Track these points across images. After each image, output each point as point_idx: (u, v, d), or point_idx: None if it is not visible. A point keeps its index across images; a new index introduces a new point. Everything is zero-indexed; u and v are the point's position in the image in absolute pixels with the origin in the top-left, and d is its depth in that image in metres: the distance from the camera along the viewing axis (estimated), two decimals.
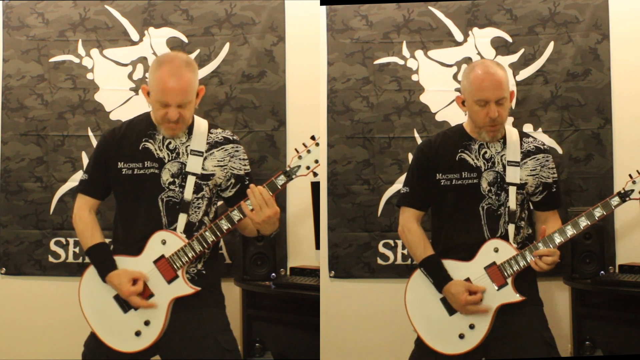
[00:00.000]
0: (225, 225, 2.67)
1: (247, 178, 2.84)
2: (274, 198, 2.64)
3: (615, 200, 2.75)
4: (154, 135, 2.77)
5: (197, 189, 2.75)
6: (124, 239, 2.79)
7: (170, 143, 2.77)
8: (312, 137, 2.67)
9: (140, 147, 2.77)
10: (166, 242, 2.70)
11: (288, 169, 2.66)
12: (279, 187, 2.64)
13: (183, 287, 2.69)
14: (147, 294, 2.69)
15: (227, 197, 2.85)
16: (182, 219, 2.73)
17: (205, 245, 2.69)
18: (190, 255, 2.68)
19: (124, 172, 2.76)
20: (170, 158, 2.76)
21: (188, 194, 2.73)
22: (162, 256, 2.69)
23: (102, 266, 2.73)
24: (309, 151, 2.66)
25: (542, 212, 2.94)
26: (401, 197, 3.00)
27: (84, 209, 2.83)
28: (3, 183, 3.83)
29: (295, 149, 2.68)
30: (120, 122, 3.42)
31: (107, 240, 2.84)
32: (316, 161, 2.66)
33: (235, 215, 2.67)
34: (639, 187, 2.74)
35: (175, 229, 2.72)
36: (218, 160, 2.79)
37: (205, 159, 2.77)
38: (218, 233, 2.68)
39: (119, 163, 2.77)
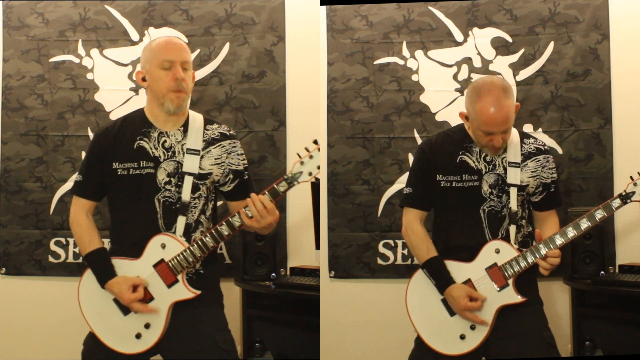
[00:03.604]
0: (225, 231, 2.65)
1: (246, 173, 2.82)
2: (275, 203, 2.62)
3: (616, 202, 2.74)
4: (148, 133, 2.73)
5: (194, 188, 2.72)
6: (121, 241, 2.76)
7: (165, 141, 2.73)
8: (315, 142, 2.61)
9: (135, 146, 2.72)
10: (166, 246, 2.67)
11: (290, 174, 2.61)
12: (280, 193, 2.61)
13: (183, 292, 2.67)
14: (147, 297, 2.67)
15: (226, 191, 2.83)
16: (181, 221, 2.70)
17: (206, 251, 2.66)
18: (190, 260, 2.65)
19: (119, 173, 2.71)
20: (165, 157, 2.72)
21: (186, 195, 2.70)
22: (162, 260, 2.67)
23: (101, 273, 2.69)
24: (311, 157, 2.60)
25: (541, 212, 2.93)
26: (404, 198, 2.99)
27: (81, 212, 2.78)
28: (3, 183, 3.82)
29: (298, 154, 2.62)
30: None
31: (106, 241, 2.83)
32: (318, 167, 2.60)
33: (236, 221, 2.64)
34: None
35: (174, 232, 2.70)
36: (215, 158, 2.76)
37: (202, 157, 2.74)
38: (218, 239, 2.66)
39: (114, 163, 2.72)
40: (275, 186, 2.61)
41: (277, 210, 2.63)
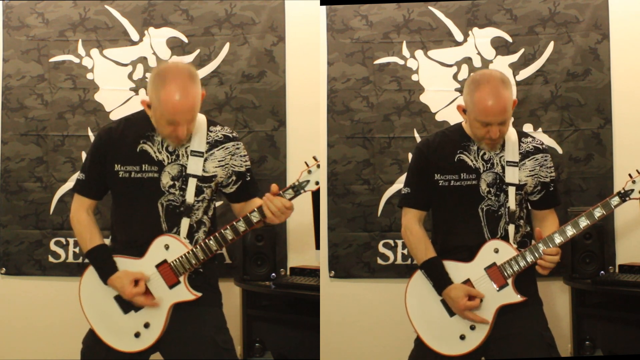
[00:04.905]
0: (230, 235, 2.65)
1: (248, 174, 2.82)
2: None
3: (615, 200, 2.73)
4: (152, 137, 2.71)
5: (198, 191, 2.71)
6: (123, 240, 2.76)
7: (169, 145, 2.71)
8: (314, 158, 2.67)
9: (138, 150, 2.70)
10: (169, 247, 2.67)
11: (297, 183, 2.64)
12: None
13: (184, 293, 2.67)
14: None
15: (228, 192, 2.82)
16: (185, 223, 2.69)
17: (209, 254, 2.67)
18: (193, 262, 2.66)
19: (120, 175, 2.70)
20: (169, 160, 2.71)
21: (190, 197, 2.69)
22: (165, 261, 2.67)
23: (103, 269, 2.70)
24: (318, 166, 2.64)
25: (540, 211, 2.93)
26: (402, 198, 2.99)
27: (81, 210, 2.78)
28: (3, 183, 3.83)
29: (306, 163, 2.64)
30: None
31: (107, 241, 2.83)
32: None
33: (241, 226, 2.65)
34: (638, 186, 2.72)
35: (177, 233, 2.69)
36: (219, 161, 2.76)
37: (205, 160, 2.73)
38: (222, 243, 2.66)
39: (116, 165, 2.71)
40: (281, 193, 2.63)
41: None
